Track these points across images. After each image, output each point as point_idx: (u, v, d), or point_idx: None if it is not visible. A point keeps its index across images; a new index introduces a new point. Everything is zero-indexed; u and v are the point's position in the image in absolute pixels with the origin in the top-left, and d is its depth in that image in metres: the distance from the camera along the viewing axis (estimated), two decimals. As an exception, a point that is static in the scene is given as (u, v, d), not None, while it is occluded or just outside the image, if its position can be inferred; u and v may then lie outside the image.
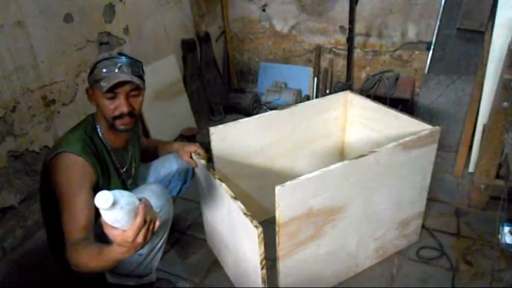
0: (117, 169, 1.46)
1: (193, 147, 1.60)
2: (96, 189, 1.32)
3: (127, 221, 0.95)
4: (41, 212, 1.46)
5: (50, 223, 1.45)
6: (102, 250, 1.08)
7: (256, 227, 1.16)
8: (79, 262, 1.14)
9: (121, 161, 1.48)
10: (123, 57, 1.34)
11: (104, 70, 1.28)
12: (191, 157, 1.60)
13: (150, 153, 1.74)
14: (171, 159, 1.68)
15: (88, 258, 1.12)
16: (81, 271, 1.15)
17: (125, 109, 1.31)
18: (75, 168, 1.26)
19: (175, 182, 1.69)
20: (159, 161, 1.71)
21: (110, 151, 1.42)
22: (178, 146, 1.67)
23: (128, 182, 1.53)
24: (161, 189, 1.40)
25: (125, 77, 1.28)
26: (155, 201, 1.32)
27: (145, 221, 0.97)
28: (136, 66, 1.33)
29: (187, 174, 1.70)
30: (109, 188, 1.25)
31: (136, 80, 1.31)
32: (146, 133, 2.53)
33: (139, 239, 0.97)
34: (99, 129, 1.39)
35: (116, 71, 1.28)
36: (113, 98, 1.30)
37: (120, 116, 1.32)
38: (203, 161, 1.53)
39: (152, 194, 1.34)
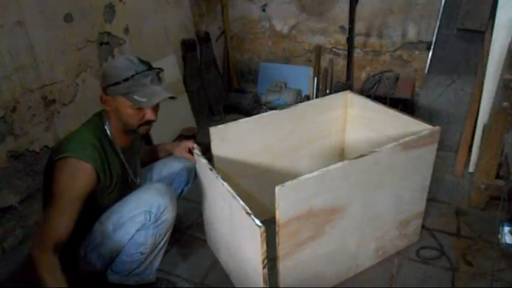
0: (125, 168, 1.47)
1: (189, 143, 1.64)
2: (97, 191, 1.33)
3: None
4: (43, 210, 1.46)
5: None
6: (52, 273, 1.16)
7: (258, 225, 1.16)
8: (36, 261, 1.16)
9: (129, 159, 1.49)
10: (144, 64, 1.31)
11: (134, 82, 1.26)
12: (190, 154, 1.63)
13: (148, 156, 1.75)
14: (173, 160, 1.69)
15: (44, 267, 1.16)
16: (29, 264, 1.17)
17: (153, 118, 1.35)
18: (80, 175, 1.25)
19: (178, 183, 1.69)
20: (160, 163, 1.71)
21: (119, 152, 1.42)
22: (173, 144, 1.74)
23: (137, 180, 1.55)
24: (165, 188, 1.40)
25: (162, 93, 1.30)
26: (160, 200, 1.33)
27: None
28: (161, 75, 1.33)
29: (190, 176, 1.69)
30: (112, 189, 1.31)
31: (170, 94, 1.32)
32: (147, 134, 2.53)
33: None
34: (108, 130, 1.38)
35: (148, 83, 1.28)
36: (140, 108, 1.31)
37: (146, 123, 1.36)
38: (204, 160, 1.53)
39: (156, 192, 1.34)
